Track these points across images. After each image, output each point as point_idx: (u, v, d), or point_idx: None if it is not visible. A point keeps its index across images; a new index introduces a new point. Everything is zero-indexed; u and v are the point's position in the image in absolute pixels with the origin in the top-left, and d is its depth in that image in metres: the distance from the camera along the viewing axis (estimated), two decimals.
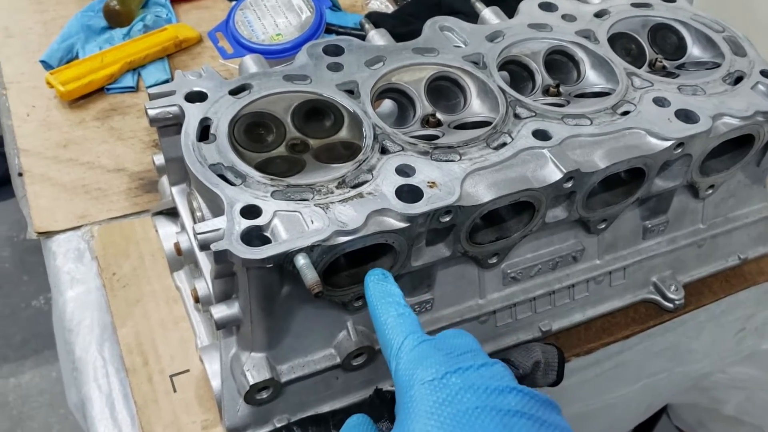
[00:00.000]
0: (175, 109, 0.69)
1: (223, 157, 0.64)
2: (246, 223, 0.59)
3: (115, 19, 1.12)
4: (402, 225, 0.61)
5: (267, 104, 0.70)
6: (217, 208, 0.63)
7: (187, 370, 0.74)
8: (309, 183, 0.63)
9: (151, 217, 0.86)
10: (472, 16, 1.16)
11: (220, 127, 0.67)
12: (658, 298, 0.84)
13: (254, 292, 0.61)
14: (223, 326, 0.64)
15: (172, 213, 0.83)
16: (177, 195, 0.76)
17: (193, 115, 0.67)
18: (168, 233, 0.82)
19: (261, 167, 0.66)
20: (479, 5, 0.88)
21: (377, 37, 0.81)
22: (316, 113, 0.71)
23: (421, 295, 0.71)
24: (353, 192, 0.62)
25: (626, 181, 0.74)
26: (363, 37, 1.15)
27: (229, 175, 0.63)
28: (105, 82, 1.03)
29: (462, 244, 0.67)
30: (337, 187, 0.63)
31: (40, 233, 0.85)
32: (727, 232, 0.86)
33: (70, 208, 0.87)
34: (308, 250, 0.58)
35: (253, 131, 0.69)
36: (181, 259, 0.80)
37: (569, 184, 0.67)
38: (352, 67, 0.74)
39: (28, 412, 2.09)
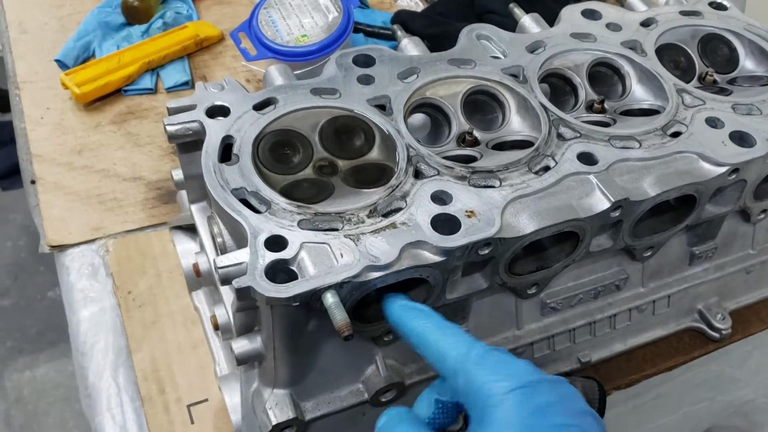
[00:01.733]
0: (195, 125, 0.64)
1: (246, 180, 0.60)
2: (271, 257, 0.54)
3: (134, 15, 1.08)
4: (438, 259, 0.56)
5: (293, 121, 0.66)
6: (239, 235, 0.59)
7: (206, 400, 0.70)
8: (338, 211, 0.58)
9: (169, 231, 0.82)
10: (506, 16, 1.12)
11: (243, 147, 0.62)
12: (704, 327, 0.79)
13: (278, 329, 0.57)
14: (245, 362, 0.61)
15: (191, 228, 0.79)
16: (197, 213, 0.72)
17: (215, 132, 0.63)
18: (186, 250, 0.78)
19: (287, 191, 0.62)
20: (518, 11, 0.83)
21: (410, 47, 0.76)
22: (345, 131, 0.67)
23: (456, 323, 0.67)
24: (385, 222, 0.58)
25: (675, 206, 0.69)
26: (392, 38, 1.12)
27: (253, 201, 0.59)
28: (122, 84, 0.99)
29: (500, 276, 0.63)
30: (368, 216, 0.58)
31: (52, 246, 0.81)
32: None
33: (84, 220, 0.84)
34: (337, 287, 0.53)
35: (278, 151, 0.65)
36: (200, 279, 0.76)
37: (617, 213, 0.62)
38: (383, 80, 0.70)
39: (43, 407, 2.08)
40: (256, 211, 0.58)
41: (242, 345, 0.60)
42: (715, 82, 0.77)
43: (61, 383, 2.14)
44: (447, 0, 1.17)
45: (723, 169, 0.65)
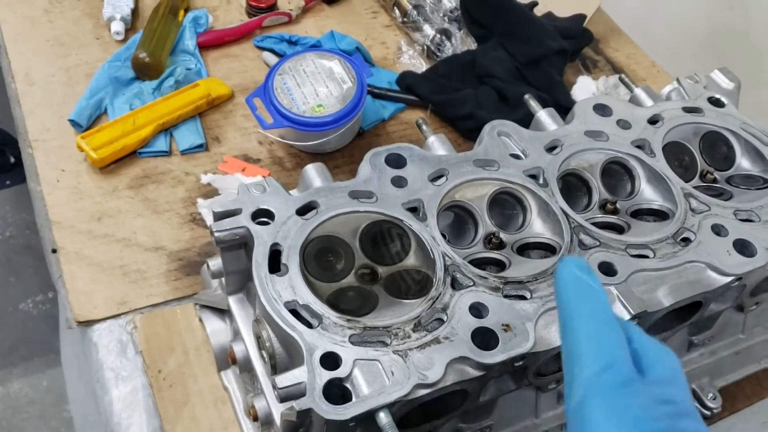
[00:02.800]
0: (242, 230, 0.67)
1: (297, 293, 0.63)
2: (327, 375, 0.58)
3: (145, 71, 1.09)
4: (479, 373, 0.61)
5: (335, 226, 0.69)
6: (289, 345, 0.62)
7: None
8: (385, 325, 0.62)
9: (195, 307, 0.85)
10: (506, 81, 1.17)
11: (291, 256, 0.66)
12: (697, 405, 0.86)
13: None
14: None
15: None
16: (234, 304, 0.75)
17: (262, 240, 0.66)
18: (216, 330, 0.80)
19: (333, 300, 0.65)
20: (533, 104, 0.88)
21: (437, 144, 0.80)
22: (383, 237, 0.70)
23: (482, 421, 0.72)
24: (430, 337, 0.62)
25: (682, 308, 0.75)
26: (397, 99, 1.16)
27: (305, 314, 0.62)
28: (137, 146, 1.00)
29: (528, 378, 0.68)
30: (413, 330, 0.62)
31: (80, 322, 0.83)
32: (764, 340, 0.88)
33: (108, 293, 0.85)
34: (390, 406, 0.57)
35: (322, 258, 0.68)
36: (228, 359, 0.79)
37: (635, 323, 0.67)
38: (416, 183, 0.74)
39: (18, 424, 2.06)
40: (309, 325, 0.62)
41: None
42: (715, 180, 0.84)
43: (36, 399, 2.13)
44: (449, 61, 1.21)
45: (728, 279, 0.71)
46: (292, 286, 0.64)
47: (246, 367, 0.75)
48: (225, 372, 0.81)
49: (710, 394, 0.86)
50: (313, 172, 0.74)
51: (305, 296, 0.63)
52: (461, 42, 1.26)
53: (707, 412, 0.85)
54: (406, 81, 1.16)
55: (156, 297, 0.86)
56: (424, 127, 0.83)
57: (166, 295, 0.87)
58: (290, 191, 0.73)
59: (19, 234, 2.58)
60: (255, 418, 0.71)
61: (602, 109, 0.86)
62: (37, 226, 0.93)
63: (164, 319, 0.84)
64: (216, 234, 0.67)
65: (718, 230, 0.75)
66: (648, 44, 1.45)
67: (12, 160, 2.79)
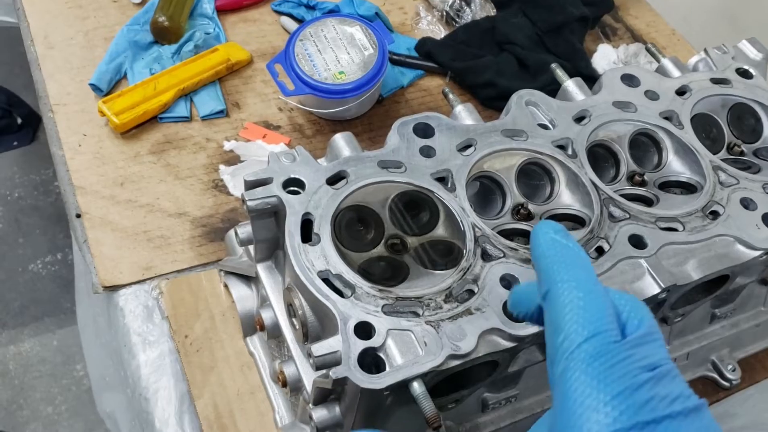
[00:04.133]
0: (274, 200, 0.67)
1: (329, 262, 0.63)
2: (361, 345, 0.59)
3: (164, 35, 1.08)
4: (510, 345, 0.61)
5: (365, 196, 0.69)
6: (322, 313, 0.63)
7: None
8: (417, 296, 0.63)
9: (219, 274, 0.85)
10: (527, 48, 1.16)
11: (323, 226, 0.66)
12: (716, 376, 0.87)
13: (362, 408, 0.61)
14: (324, 430, 0.65)
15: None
16: (263, 271, 0.75)
17: (294, 210, 0.66)
18: (242, 296, 0.81)
19: (364, 270, 0.66)
20: (560, 73, 0.87)
21: (464, 114, 0.79)
22: (413, 207, 0.70)
23: (508, 390, 0.73)
24: (462, 308, 0.62)
25: (707, 281, 0.75)
26: (417, 66, 1.15)
27: (338, 284, 0.63)
28: (158, 111, 1.00)
29: None
30: (444, 301, 0.63)
31: (106, 287, 0.83)
32: None
33: (133, 259, 0.86)
34: (423, 376, 0.58)
35: (353, 228, 0.68)
36: (254, 325, 0.80)
37: (663, 295, 0.68)
38: (444, 153, 0.73)
39: (29, 382, 2.09)
40: (342, 295, 0.62)
41: (322, 415, 0.65)
42: (742, 153, 0.83)
43: (47, 358, 2.16)
44: (468, 27, 1.20)
45: (757, 253, 0.71)
46: (325, 255, 0.64)
47: (274, 334, 0.75)
48: (251, 338, 0.82)
49: (730, 366, 0.87)
50: (342, 142, 0.74)
51: (338, 266, 0.63)
52: (480, 8, 1.24)
53: (726, 384, 0.86)
54: (426, 47, 1.15)
55: (181, 263, 0.87)
56: (450, 96, 0.83)
57: (191, 261, 0.87)
58: (318, 160, 0.73)
59: (27, 195, 2.59)
60: (284, 384, 0.72)
61: (630, 80, 0.85)
62: (60, 189, 0.93)
63: (189, 284, 0.85)
64: (248, 203, 0.67)
65: (746, 204, 0.75)
66: (667, 11, 1.43)
67: (19, 121, 2.78)
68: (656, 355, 0.38)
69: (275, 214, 0.70)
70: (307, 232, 0.66)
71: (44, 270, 2.34)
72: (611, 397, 0.36)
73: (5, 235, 2.41)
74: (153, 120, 1.00)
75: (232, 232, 0.85)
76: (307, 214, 0.66)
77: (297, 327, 0.67)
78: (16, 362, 2.14)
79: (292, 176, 0.69)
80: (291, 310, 0.68)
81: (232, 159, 0.98)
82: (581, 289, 0.41)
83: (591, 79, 1.18)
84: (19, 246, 2.39)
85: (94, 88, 1.01)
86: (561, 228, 0.46)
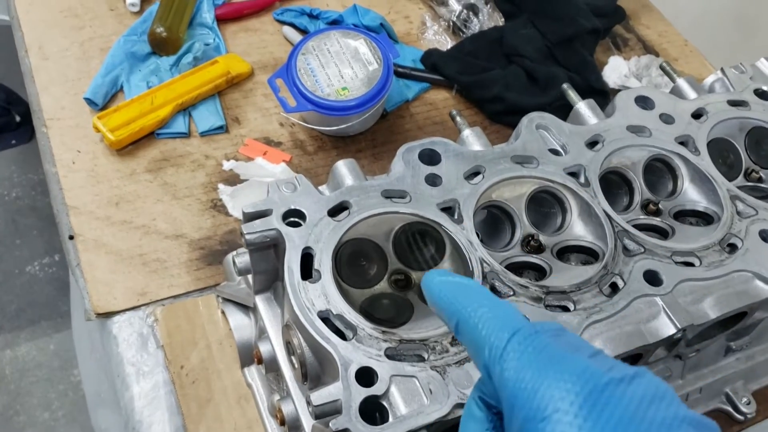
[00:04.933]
0: (273, 233, 0.64)
1: (330, 301, 0.60)
2: (363, 393, 0.56)
3: (162, 46, 1.05)
4: None
5: (368, 228, 0.66)
6: (321, 354, 0.60)
7: None
8: (422, 338, 0.60)
9: (217, 300, 0.82)
10: (535, 61, 1.13)
11: (324, 262, 0.63)
12: (730, 409, 0.83)
13: None
14: None
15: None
16: (261, 303, 0.72)
17: (294, 244, 0.63)
18: (239, 325, 0.78)
19: (367, 309, 0.63)
20: (572, 94, 0.84)
21: (472, 138, 0.76)
22: (417, 240, 0.67)
23: None
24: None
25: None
26: (422, 79, 1.12)
27: (339, 325, 0.60)
28: (155, 127, 0.96)
29: None
30: (451, 344, 0.60)
31: (99, 314, 0.80)
32: None
33: (128, 283, 0.83)
34: (428, 426, 0.55)
35: (354, 263, 0.65)
36: (252, 355, 0.77)
37: (679, 335, 0.65)
38: (451, 181, 0.70)
39: (26, 387, 2.07)
40: (343, 336, 0.59)
41: None
42: (760, 179, 0.80)
43: (44, 363, 2.13)
44: (476, 38, 1.17)
45: None
46: (325, 293, 0.61)
47: (272, 368, 0.72)
48: (248, 368, 0.79)
49: (744, 399, 0.83)
50: (344, 170, 0.71)
51: (339, 305, 0.60)
52: (488, 18, 1.21)
53: (741, 417, 0.83)
54: (432, 60, 1.12)
55: (177, 288, 0.84)
56: (458, 119, 0.79)
57: (188, 285, 0.84)
58: (320, 187, 0.70)
59: (25, 195, 2.56)
60: (282, 422, 0.69)
61: (644, 102, 0.82)
62: (53, 209, 0.90)
63: (186, 311, 0.82)
64: (247, 236, 0.64)
65: (765, 236, 0.71)
66: (677, 14, 1.40)
67: (17, 118, 2.75)
68: (579, 340, 0.39)
69: (275, 246, 0.67)
70: (307, 268, 0.63)
71: (41, 272, 2.31)
72: (552, 380, 0.35)
73: (2, 237, 2.38)
74: (150, 136, 0.97)
75: (230, 257, 0.82)
76: (307, 248, 0.63)
77: (296, 366, 0.64)
78: (12, 367, 2.11)
79: (293, 207, 0.66)
80: (290, 348, 0.65)
81: (232, 178, 0.95)
82: (485, 306, 0.41)
83: (602, 93, 1.15)
84: (15, 247, 2.36)
85: (89, 102, 0.98)
86: (445, 271, 0.47)
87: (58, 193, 0.90)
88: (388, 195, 0.68)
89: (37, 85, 1.01)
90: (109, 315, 0.81)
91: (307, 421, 0.66)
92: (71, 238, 0.86)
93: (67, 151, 0.94)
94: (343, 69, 0.97)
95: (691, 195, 0.77)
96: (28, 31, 1.06)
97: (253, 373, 0.79)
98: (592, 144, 0.77)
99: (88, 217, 0.88)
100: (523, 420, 0.35)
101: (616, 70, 1.19)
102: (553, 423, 0.33)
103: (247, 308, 0.80)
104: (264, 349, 0.72)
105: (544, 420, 0.34)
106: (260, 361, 0.73)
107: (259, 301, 0.73)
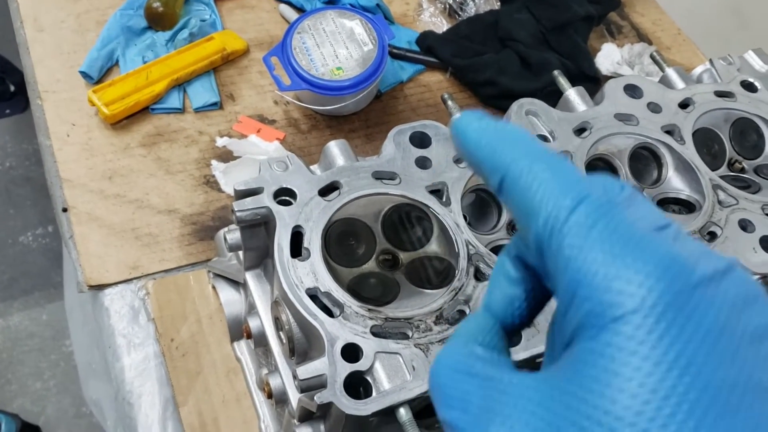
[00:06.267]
0: (264, 210, 0.66)
1: (318, 279, 0.62)
2: (348, 368, 0.57)
3: (158, 21, 1.05)
4: None
5: (358, 209, 0.68)
6: (309, 330, 0.62)
7: None
8: (407, 317, 0.61)
9: (208, 275, 0.84)
10: (530, 47, 1.14)
11: (313, 241, 0.64)
12: None
13: (348, 430, 0.60)
14: None
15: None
16: (251, 280, 0.74)
17: (285, 222, 0.65)
18: (230, 300, 0.80)
19: (353, 287, 0.65)
20: (562, 81, 0.85)
21: None
22: (406, 221, 0.69)
23: None
24: (452, 330, 0.61)
25: None
26: (418, 60, 1.12)
27: (327, 302, 0.61)
28: (150, 102, 0.97)
29: None
30: (435, 323, 0.61)
31: (91, 286, 0.82)
32: None
33: (120, 257, 0.84)
34: (410, 401, 0.57)
35: (343, 242, 0.67)
36: (241, 330, 0.78)
37: None
38: (440, 165, 0.72)
39: (18, 356, 2.09)
40: (330, 314, 0.61)
41: None
42: (743, 170, 0.82)
43: (36, 333, 2.15)
44: (471, 21, 1.17)
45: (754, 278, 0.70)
46: (314, 271, 0.62)
47: (261, 343, 0.74)
48: (238, 343, 0.81)
49: None
50: (336, 150, 0.72)
51: (327, 283, 0.62)
52: (485, 1, 1.22)
53: None
54: (427, 42, 1.13)
55: (168, 262, 0.85)
56: (450, 102, 0.80)
57: (179, 260, 0.85)
58: (311, 166, 0.72)
59: (19, 165, 2.56)
60: (270, 395, 0.71)
61: (633, 90, 0.83)
62: (47, 181, 0.91)
63: (177, 285, 0.83)
64: (238, 213, 0.65)
65: (744, 225, 0.73)
66: (674, 9, 1.40)
67: (12, 88, 2.74)
68: (655, 213, 0.31)
69: (265, 223, 0.68)
70: (297, 246, 0.64)
71: (35, 242, 2.32)
72: (624, 268, 0.27)
73: None
74: (144, 111, 0.98)
75: (221, 233, 0.84)
76: (297, 226, 0.65)
77: (284, 341, 0.65)
78: (4, 336, 2.13)
79: (284, 186, 0.67)
80: (278, 324, 0.66)
81: (225, 154, 0.96)
82: (540, 160, 0.32)
83: (594, 79, 1.16)
84: (9, 217, 2.36)
85: (85, 75, 0.99)
86: (482, 113, 0.36)
87: (52, 166, 0.91)
88: (379, 176, 0.70)
89: (32, 57, 1.01)
90: (101, 287, 0.82)
91: (294, 395, 0.68)
92: (65, 210, 0.87)
93: (61, 124, 0.95)
94: (338, 49, 0.98)
95: (675, 183, 0.79)
96: (23, 2, 1.07)
97: (242, 348, 0.81)
98: (579, 131, 0.78)
99: (82, 190, 0.89)
100: (586, 314, 0.28)
101: (608, 57, 1.20)
102: (630, 326, 0.26)
103: (238, 284, 0.82)
104: (253, 324, 0.74)
105: (618, 321, 0.26)
106: (249, 336, 0.75)
107: (249, 278, 0.74)
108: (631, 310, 0.26)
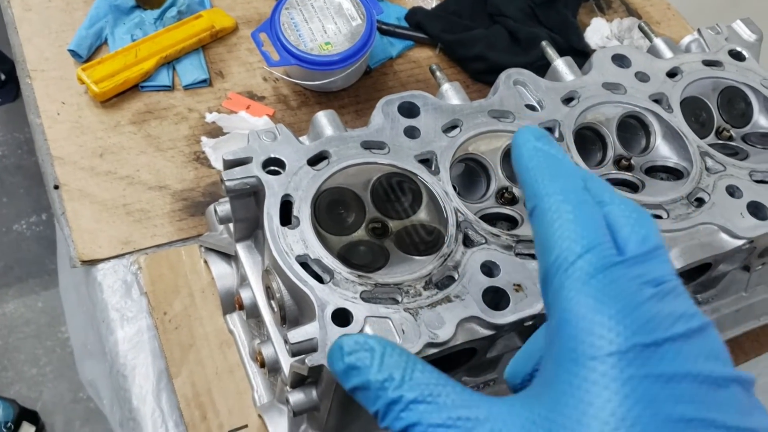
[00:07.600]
0: (253, 180, 0.66)
1: (308, 246, 0.62)
2: (338, 332, 0.58)
3: (146, 0, 1.05)
4: (489, 333, 0.61)
5: (347, 178, 0.68)
6: (299, 297, 0.62)
7: (246, 426, 0.75)
8: (396, 282, 0.62)
9: (200, 250, 0.84)
10: (519, 21, 1.14)
11: (302, 209, 0.65)
12: None
13: (338, 393, 0.61)
14: (301, 413, 0.65)
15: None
16: (242, 251, 0.74)
17: (274, 191, 0.65)
18: (222, 273, 0.80)
19: (344, 255, 0.65)
20: (550, 52, 0.85)
21: (451, 93, 0.78)
22: (395, 190, 0.69)
23: (487, 375, 0.73)
24: (441, 295, 0.62)
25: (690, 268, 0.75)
26: (407, 36, 1.13)
27: (317, 269, 0.62)
28: (140, 80, 0.97)
29: None
30: (424, 288, 0.62)
31: (84, 261, 0.82)
32: (765, 298, 0.88)
33: (112, 232, 0.85)
34: None
35: (333, 211, 0.67)
36: (234, 303, 0.79)
37: None
38: (429, 134, 0.72)
39: (14, 343, 2.09)
40: (320, 280, 0.61)
41: (299, 398, 0.64)
42: (731, 137, 0.82)
43: (31, 319, 2.15)
44: None
45: (740, 242, 0.70)
46: (304, 239, 0.63)
47: (253, 314, 0.75)
48: (230, 315, 0.81)
49: None
50: (324, 120, 0.72)
51: (317, 250, 0.62)
52: None
53: None
54: (416, 18, 1.13)
55: (160, 237, 0.85)
56: (438, 73, 0.81)
57: (171, 235, 0.86)
58: (300, 138, 0.72)
59: (11, 153, 2.55)
60: (262, 365, 0.71)
61: (621, 60, 0.83)
62: (38, 159, 0.91)
63: (169, 260, 0.84)
64: (227, 183, 0.66)
65: (732, 191, 0.74)
66: None
67: (2, 77, 2.73)
68: (659, 270, 0.35)
69: (255, 194, 0.69)
70: (286, 215, 0.65)
71: (28, 230, 2.32)
72: (608, 318, 0.33)
73: None
74: (134, 88, 0.98)
75: (212, 207, 0.84)
76: (286, 195, 0.65)
77: (275, 310, 0.66)
78: (0, 323, 2.13)
79: (273, 156, 0.67)
80: (269, 293, 0.67)
81: (215, 131, 0.96)
82: (569, 202, 0.37)
83: (583, 54, 1.16)
84: (2, 206, 2.36)
85: (74, 54, 0.99)
86: (544, 134, 0.41)
87: (42, 144, 0.91)
88: (368, 146, 0.70)
89: (20, 36, 1.01)
90: (93, 263, 0.83)
91: (286, 363, 0.68)
92: (56, 187, 0.87)
93: (51, 103, 0.95)
94: (326, 24, 0.98)
95: (663, 151, 0.79)
96: None
97: (235, 320, 0.81)
98: (567, 100, 0.78)
99: (73, 168, 0.89)
100: (569, 349, 0.34)
101: (598, 31, 1.20)
102: (606, 366, 0.32)
103: (229, 258, 0.82)
104: (245, 295, 0.74)
105: (596, 359, 0.33)
106: (241, 307, 0.75)
107: (240, 249, 0.75)
108: (607, 353, 0.33)
